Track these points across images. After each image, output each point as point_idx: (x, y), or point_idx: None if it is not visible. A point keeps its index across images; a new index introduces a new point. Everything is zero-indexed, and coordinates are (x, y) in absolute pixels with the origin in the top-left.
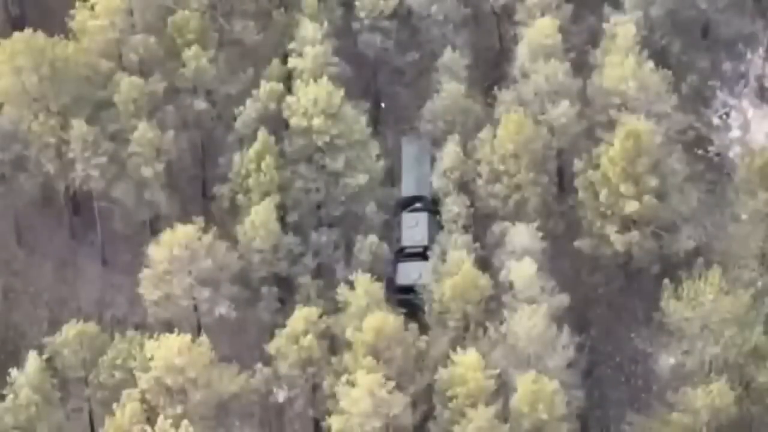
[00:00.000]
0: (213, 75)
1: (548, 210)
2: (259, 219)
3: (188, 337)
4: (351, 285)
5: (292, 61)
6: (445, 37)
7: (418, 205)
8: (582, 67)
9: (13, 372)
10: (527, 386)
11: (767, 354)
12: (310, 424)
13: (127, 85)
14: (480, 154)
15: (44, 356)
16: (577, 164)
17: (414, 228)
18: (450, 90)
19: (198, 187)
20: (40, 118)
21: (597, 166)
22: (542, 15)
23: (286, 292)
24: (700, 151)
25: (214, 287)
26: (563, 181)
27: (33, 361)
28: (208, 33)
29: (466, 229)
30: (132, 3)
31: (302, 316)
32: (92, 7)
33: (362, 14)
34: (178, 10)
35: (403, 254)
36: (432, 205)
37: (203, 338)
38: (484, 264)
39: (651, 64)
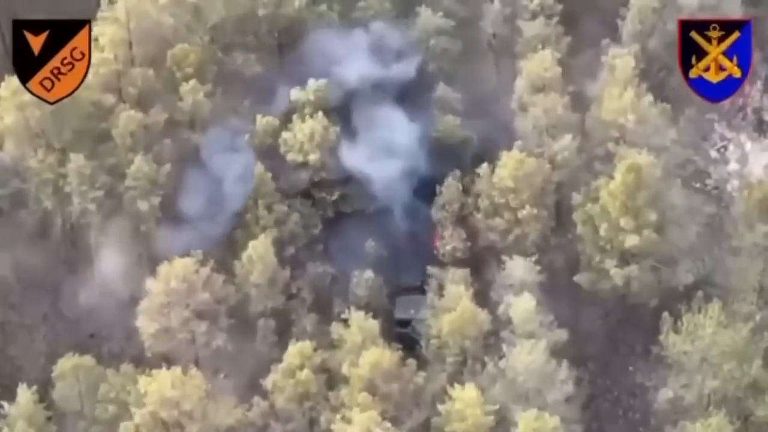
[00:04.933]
0: (210, 109)
1: (547, 244)
2: (256, 253)
3: (180, 370)
4: (346, 322)
5: (294, 94)
6: (441, 70)
7: None
8: (580, 100)
9: (6, 405)
10: (529, 423)
11: (766, 388)
12: None
13: (125, 119)
14: (479, 188)
15: (33, 389)
16: (576, 198)
17: None
18: (446, 123)
19: None
20: (39, 155)
21: (595, 200)
22: (541, 48)
23: (283, 326)
24: (698, 185)
25: (211, 320)
26: (561, 214)
27: (23, 394)
28: (207, 66)
29: (464, 263)
30: (132, 36)
31: (298, 350)
32: (96, 39)
33: None
34: (178, 44)
35: (400, 288)
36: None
37: (195, 371)
38: (482, 298)
39: (650, 97)
